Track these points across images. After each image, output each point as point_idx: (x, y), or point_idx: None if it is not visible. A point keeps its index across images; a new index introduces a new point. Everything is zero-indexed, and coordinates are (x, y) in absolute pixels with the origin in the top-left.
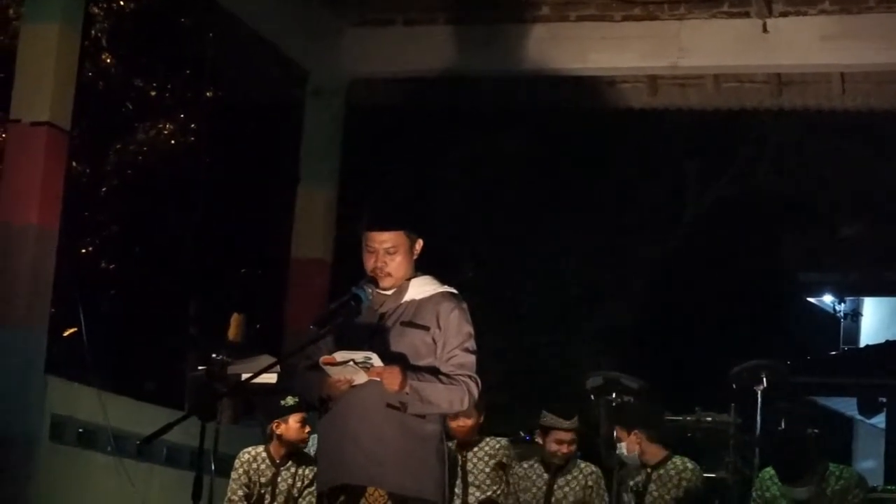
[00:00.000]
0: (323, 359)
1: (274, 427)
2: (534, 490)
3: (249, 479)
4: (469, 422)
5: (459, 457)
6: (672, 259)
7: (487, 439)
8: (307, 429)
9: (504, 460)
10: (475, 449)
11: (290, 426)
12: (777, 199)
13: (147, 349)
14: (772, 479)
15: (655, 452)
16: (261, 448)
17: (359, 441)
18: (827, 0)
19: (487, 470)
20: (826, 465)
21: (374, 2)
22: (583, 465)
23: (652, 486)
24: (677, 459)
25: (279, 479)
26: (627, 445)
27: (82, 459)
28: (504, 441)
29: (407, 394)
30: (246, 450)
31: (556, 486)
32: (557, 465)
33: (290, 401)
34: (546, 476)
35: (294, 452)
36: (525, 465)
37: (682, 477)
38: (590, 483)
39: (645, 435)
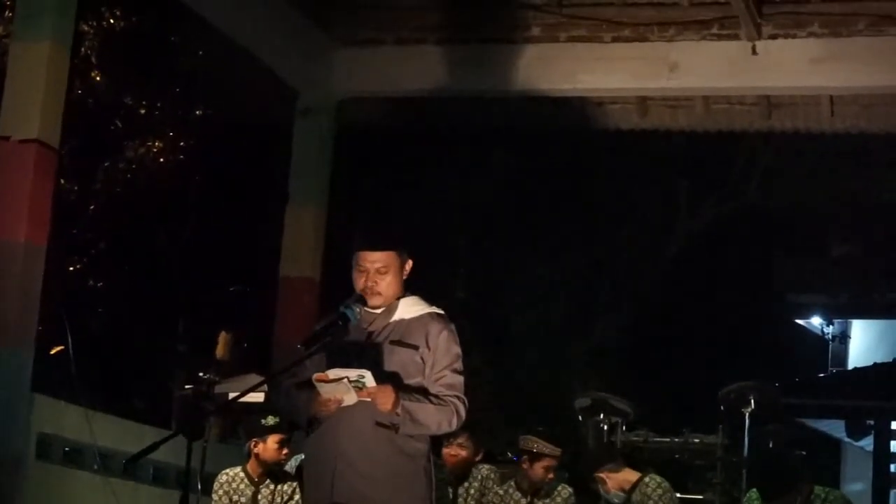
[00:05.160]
0: (316, 376)
1: (252, 446)
2: None
3: (230, 499)
4: (463, 453)
5: (451, 489)
6: (661, 280)
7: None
8: (285, 450)
9: None
10: (465, 484)
11: (268, 446)
12: (766, 221)
13: (135, 367)
14: (759, 499)
15: (627, 478)
16: (238, 468)
17: (349, 460)
18: (816, 23)
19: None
20: (811, 487)
21: (364, 21)
22: (559, 487)
23: None
24: (648, 479)
25: (259, 496)
26: (601, 488)
27: (69, 478)
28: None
29: (398, 414)
30: (224, 471)
31: None
32: (536, 489)
33: (270, 420)
34: (524, 501)
35: (272, 470)
36: (501, 491)
37: (650, 496)
38: None
39: (607, 470)
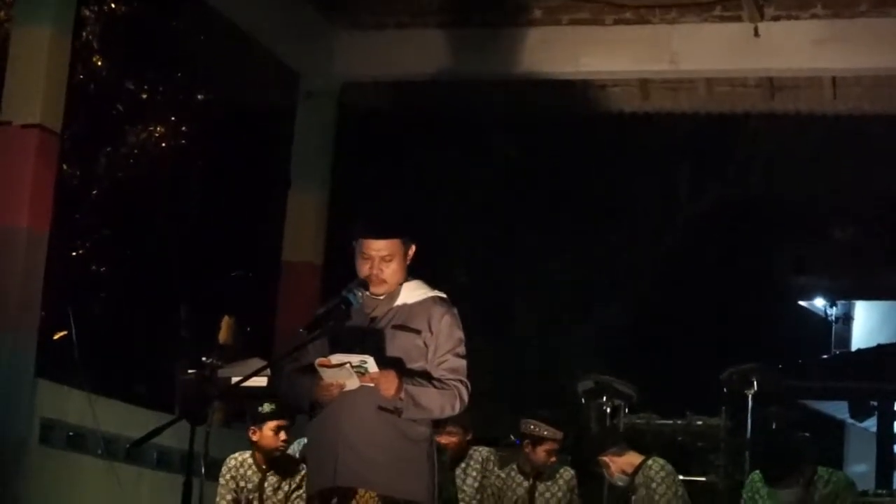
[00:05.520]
0: (318, 361)
1: (251, 434)
2: (515, 498)
3: (237, 484)
4: (454, 439)
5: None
6: (664, 263)
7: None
8: (282, 436)
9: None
10: (462, 465)
11: (265, 433)
12: (769, 203)
13: (137, 352)
14: (761, 481)
15: (630, 461)
16: (247, 454)
17: (352, 444)
18: (819, 4)
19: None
20: (814, 468)
21: (365, 5)
22: (561, 469)
23: (632, 491)
24: (651, 462)
25: (266, 484)
26: (605, 472)
27: (72, 463)
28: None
29: (401, 399)
30: (233, 455)
31: (537, 493)
32: (538, 472)
33: (266, 407)
34: (526, 483)
35: (280, 457)
36: (503, 474)
37: (654, 479)
38: (571, 486)
39: (611, 454)
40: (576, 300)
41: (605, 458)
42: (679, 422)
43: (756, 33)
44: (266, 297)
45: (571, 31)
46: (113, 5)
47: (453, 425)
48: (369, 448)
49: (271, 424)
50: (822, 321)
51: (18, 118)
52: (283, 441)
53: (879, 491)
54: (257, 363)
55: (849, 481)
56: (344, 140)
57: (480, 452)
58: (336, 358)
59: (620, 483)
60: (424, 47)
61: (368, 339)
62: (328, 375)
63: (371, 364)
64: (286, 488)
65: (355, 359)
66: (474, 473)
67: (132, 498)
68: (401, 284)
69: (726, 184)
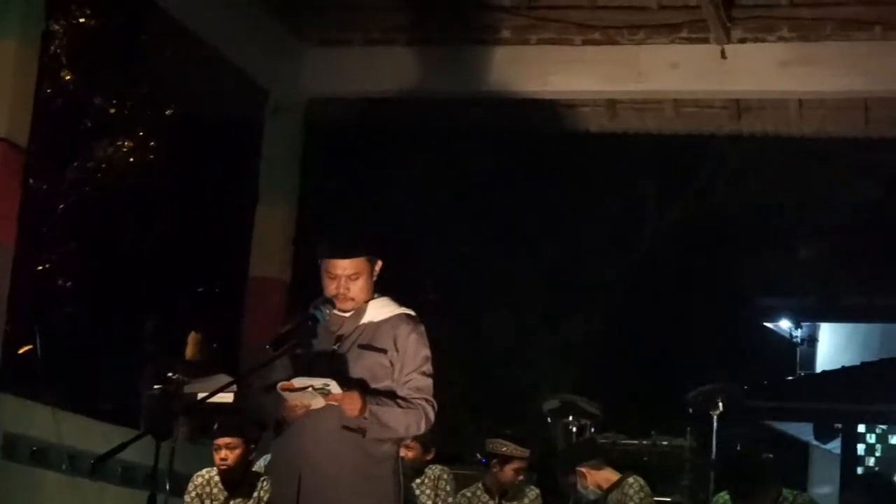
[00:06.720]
0: (281, 385)
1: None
2: None
3: (202, 502)
4: (410, 453)
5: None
6: (630, 282)
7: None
8: (222, 453)
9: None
10: (417, 480)
11: (214, 452)
12: (735, 224)
13: (103, 367)
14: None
15: (607, 477)
16: (214, 471)
17: (315, 463)
18: (785, 27)
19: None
20: (779, 490)
21: (334, 21)
22: (527, 488)
23: None
24: (632, 479)
25: (231, 502)
26: (580, 482)
27: (36, 478)
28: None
29: (366, 419)
30: (199, 473)
31: None
32: (504, 491)
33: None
34: (492, 503)
35: (247, 475)
36: (469, 494)
37: (632, 498)
38: None
39: (588, 466)
40: (542, 318)
41: (583, 470)
42: (645, 442)
43: (723, 55)
44: (233, 313)
45: (540, 51)
46: (81, 20)
47: (412, 439)
48: (333, 468)
49: (216, 442)
50: (787, 343)
51: None
52: (222, 459)
53: None
54: (223, 379)
55: (814, 503)
56: (311, 156)
57: (434, 470)
58: (299, 381)
59: (591, 497)
60: (392, 64)
61: (334, 359)
62: (292, 398)
63: (334, 387)
64: None
65: (318, 382)
66: (428, 491)
67: None
68: (368, 301)
69: (692, 204)
